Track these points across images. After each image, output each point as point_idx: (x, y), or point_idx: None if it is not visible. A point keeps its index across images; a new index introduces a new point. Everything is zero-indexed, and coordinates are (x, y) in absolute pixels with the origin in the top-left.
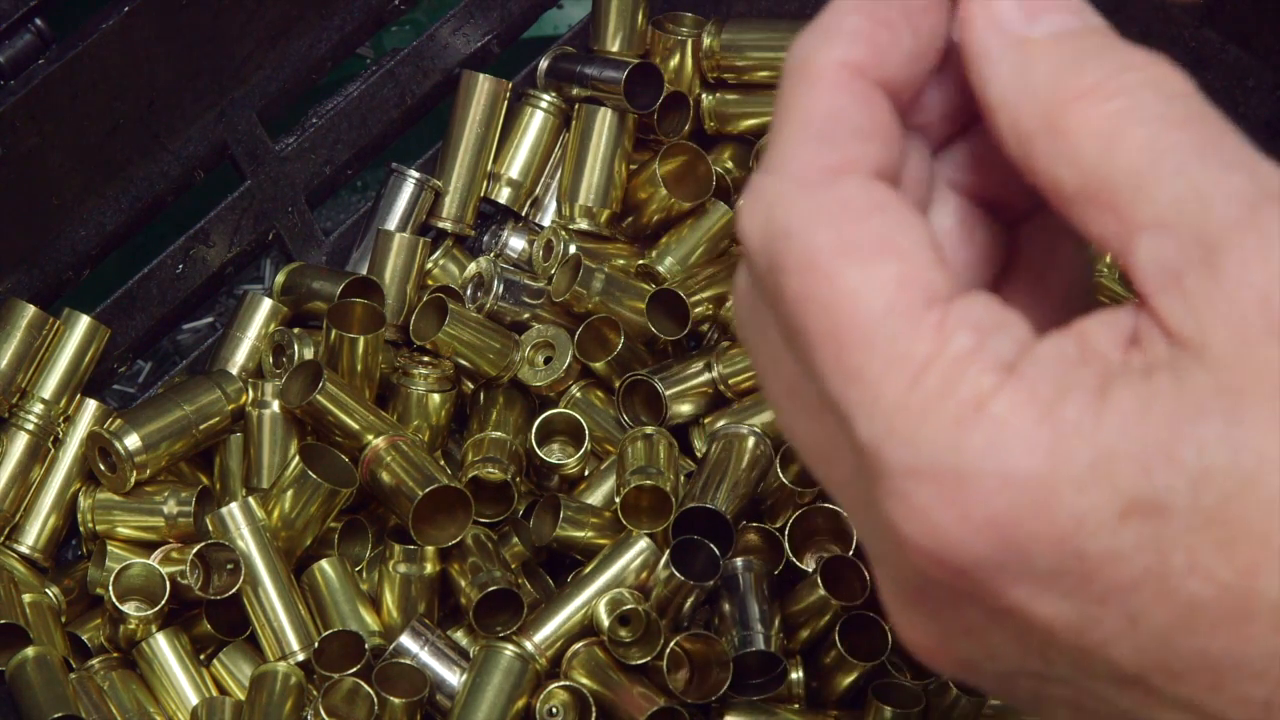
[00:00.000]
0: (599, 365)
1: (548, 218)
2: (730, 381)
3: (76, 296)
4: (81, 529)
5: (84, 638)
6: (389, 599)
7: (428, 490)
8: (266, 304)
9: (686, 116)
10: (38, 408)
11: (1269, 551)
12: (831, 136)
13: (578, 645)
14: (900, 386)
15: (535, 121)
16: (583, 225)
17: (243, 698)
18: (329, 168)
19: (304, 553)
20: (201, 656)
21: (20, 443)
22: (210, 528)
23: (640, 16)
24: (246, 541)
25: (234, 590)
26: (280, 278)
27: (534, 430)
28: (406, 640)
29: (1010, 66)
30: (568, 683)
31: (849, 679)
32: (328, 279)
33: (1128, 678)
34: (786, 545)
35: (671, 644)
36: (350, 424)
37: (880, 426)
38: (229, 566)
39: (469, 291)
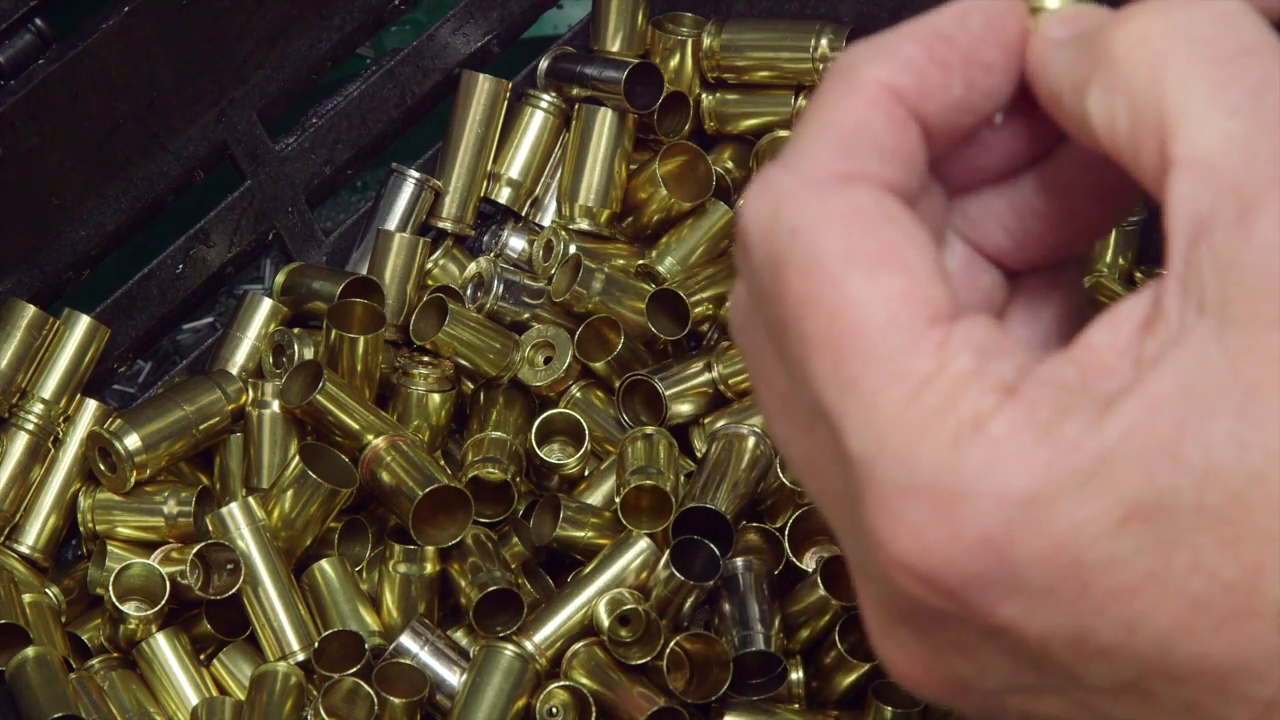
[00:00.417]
0: (599, 365)
1: (548, 218)
2: (730, 381)
3: (76, 296)
4: (81, 529)
5: (84, 638)
6: (389, 599)
7: (428, 490)
8: (266, 304)
9: (686, 116)
10: (38, 408)
11: (1275, 549)
12: (854, 147)
13: (578, 645)
14: (898, 402)
15: (535, 121)
16: (583, 225)
17: (243, 698)
18: (329, 168)
19: (304, 553)
20: (201, 656)
21: (20, 443)
22: (210, 528)
23: (640, 16)
24: (246, 541)
25: (234, 590)
26: (280, 278)
27: (534, 430)
28: (406, 640)
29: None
30: (568, 683)
31: (849, 679)
32: (328, 279)
33: (1125, 686)
34: (786, 545)
35: (671, 644)
36: (350, 424)
37: (874, 441)
38: (229, 566)
39: (469, 291)
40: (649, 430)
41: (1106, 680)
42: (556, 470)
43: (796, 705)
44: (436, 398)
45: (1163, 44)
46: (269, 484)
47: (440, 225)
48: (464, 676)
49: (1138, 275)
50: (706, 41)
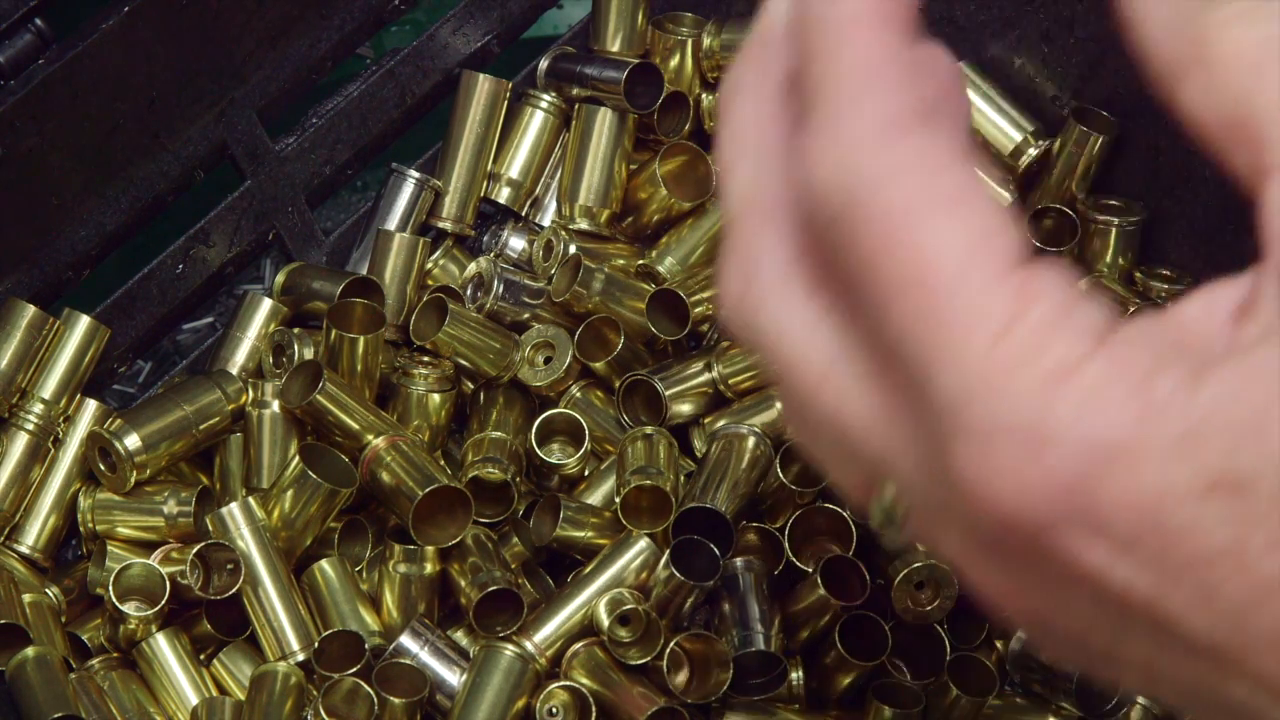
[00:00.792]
0: (599, 365)
1: (548, 218)
2: (730, 381)
3: (76, 296)
4: (81, 529)
5: (84, 638)
6: (389, 599)
7: (428, 490)
8: (266, 304)
9: (686, 116)
10: (38, 408)
11: None
12: (892, 78)
13: (578, 645)
14: (985, 343)
15: (535, 121)
16: (583, 225)
17: (243, 698)
18: (329, 168)
19: (304, 553)
20: (201, 656)
21: (20, 443)
22: (210, 528)
23: (640, 16)
24: (246, 541)
25: (234, 590)
26: (280, 278)
27: (534, 430)
28: (406, 640)
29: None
30: (568, 683)
31: (849, 679)
32: (328, 279)
33: (1200, 649)
34: (786, 545)
35: (671, 644)
36: (350, 424)
37: (963, 381)
38: (229, 566)
39: (469, 291)
40: (649, 430)
41: (1183, 641)
42: (556, 470)
43: (796, 705)
44: (436, 398)
45: (1259, 55)
46: (269, 484)
47: (440, 225)
48: (464, 676)
49: (1138, 275)
50: (706, 41)
